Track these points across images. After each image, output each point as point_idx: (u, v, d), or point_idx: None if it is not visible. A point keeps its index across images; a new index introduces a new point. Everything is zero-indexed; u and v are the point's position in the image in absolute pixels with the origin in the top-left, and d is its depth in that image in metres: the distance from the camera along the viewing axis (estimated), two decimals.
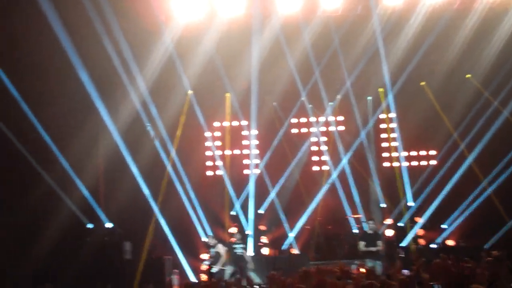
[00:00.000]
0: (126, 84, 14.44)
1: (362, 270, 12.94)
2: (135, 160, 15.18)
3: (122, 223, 14.89)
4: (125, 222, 14.87)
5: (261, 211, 16.74)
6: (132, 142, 15.13)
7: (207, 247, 14.26)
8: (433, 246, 15.81)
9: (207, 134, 17.26)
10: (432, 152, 17.38)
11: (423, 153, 17.48)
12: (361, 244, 14.05)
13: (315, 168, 17.40)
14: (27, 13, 11.95)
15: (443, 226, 16.34)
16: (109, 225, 14.99)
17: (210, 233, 15.96)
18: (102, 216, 14.97)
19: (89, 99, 13.82)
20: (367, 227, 14.38)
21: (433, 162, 17.29)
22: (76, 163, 14.11)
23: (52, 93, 13.37)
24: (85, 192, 14.41)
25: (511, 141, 15.80)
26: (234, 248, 13.33)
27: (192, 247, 15.94)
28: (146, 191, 15.32)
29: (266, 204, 16.76)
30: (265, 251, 15.86)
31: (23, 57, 12.66)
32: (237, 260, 13.17)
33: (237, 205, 16.68)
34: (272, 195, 16.65)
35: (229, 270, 12.94)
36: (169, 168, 16.11)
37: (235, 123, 17.44)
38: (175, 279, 14.12)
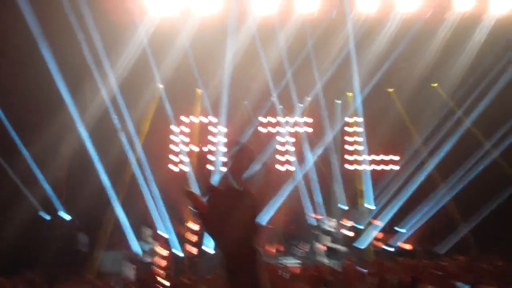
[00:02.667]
0: (96, 78, 14.52)
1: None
2: (99, 152, 15.32)
3: (80, 215, 15.01)
4: (83, 214, 14.98)
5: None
6: (99, 136, 15.25)
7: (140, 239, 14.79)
8: (390, 249, 16.64)
9: (175, 128, 17.40)
10: (395, 158, 18.23)
11: (386, 158, 18.32)
12: (327, 240, 14.79)
13: (281, 168, 17.84)
14: None
15: (401, 230, 17.21)
16: (66, 216, 15.09)
17: (170, 227, 16.35)
18: (60, 208, 15.05)
19: (57, 92, 13.86)
20: (329, 225, 15.17)
21: (395, 167, 18.15)
22: (41, 156, 14.14)
23: (20, 85, 13.31)
24: (46, 186, 14.47)
25: (472, 150, 16.75)
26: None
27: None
28: (107, 183, 15.50)
29: None
30: None
31: None
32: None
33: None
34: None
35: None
36: (133, 161, 16.30)
37: (204, 120, 17.66)
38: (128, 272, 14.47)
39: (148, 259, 14.56)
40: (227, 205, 1.27)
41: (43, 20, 12.36)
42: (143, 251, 14.69)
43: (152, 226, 16.06)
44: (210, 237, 1.32)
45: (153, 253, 14.76)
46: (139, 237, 15.13)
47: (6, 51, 12.67)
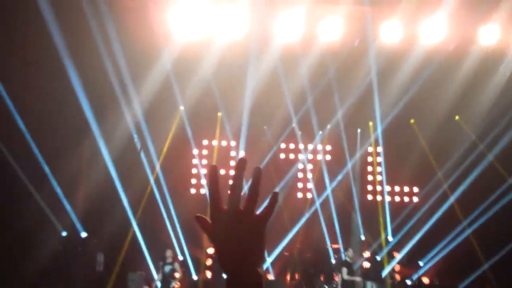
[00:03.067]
0: (121, 102, 14.90)
1: None
2: (119, 173, 15.58)
3: (97, 233, 15.19)
4: (101, 232, 15.15)
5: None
6: (122, 159, 15.55)
7: (163, 261, 14.82)
8: (408, 282, 16.44)
9: (195, 151, 17.59)
10: (415, 189, 18.12)
11: (406, 189, 18.22)
12: (344, 271, 14.73)
13: (299, 195, 17.86)
14: (27, 26, 12.26)
15: (420, 263, 17.01)
16: (83, 234, 15.27)
17: (185, 250, 16.43)
18: (78, 226, 15.25)
19: (83, 117, 14.25)
20: (346, 256, 15.10)
21: (415, 199, 18.03)
22: (66, 183, 14.47)
23: (49, 112, 13.71)
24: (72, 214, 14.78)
25: (493, 184, 16.54)
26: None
27: None
28: (126, 204, 15.71)
29: None
30: None
31: (22, 70, 12.96)
32: None
33: None
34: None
35: None
36: (152, 182, 16.50)
37: (223, 143, 17.81)
38: None
39: (170, 282, 14.58)
40: (230, 226, 1.27)
41: (70, 42, 12.70)
42: (164, 273, 14.74)
43: (170, 248, 16.18)
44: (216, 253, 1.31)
45: (172, 275, 14.82)
46: (161, 258, 15.21)
47: (38, 80, 13.02)
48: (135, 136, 16.37)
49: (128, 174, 15.86)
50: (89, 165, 15.58)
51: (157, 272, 15.28)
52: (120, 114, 15.43)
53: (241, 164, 1.31)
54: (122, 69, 14.26)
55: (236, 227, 1.25)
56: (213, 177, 1.32)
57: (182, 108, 16.87)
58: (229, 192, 1.30)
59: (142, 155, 16.45)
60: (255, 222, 1.26)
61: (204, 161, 17.76)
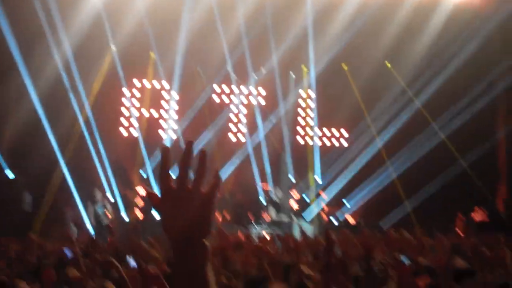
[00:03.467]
0: (49, 40, 14.41)
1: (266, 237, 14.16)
2: (49, 114, 15.23)
3: (25, 173, 14.93)
4: (28, 172, 14.90)
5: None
6: (50, 98, 15.17)
7: (93, 201, 14.86)
8: (335, 222, 17.11)
9: (126, 92, 17.26)
10: (345, 133, 18.64)
11: (336, 133, 18.70)
12: (272, 211, 15.19)
13: (232, 137, 17.98)
14: None
15: (346, 203, 17.71)
16: (10, 174, 14.99)
17: (115, 191, 16.40)
18: (4, 165, 14.94)
19: (9, 54, 13.71)
20: (275, 196, 15.55)
21: (344, 143, 18.56)
22: None
23: None
24: None
25: (419, 129, 17.24)
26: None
27: None
28: (54, 143, 15.44)
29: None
30: None
31: None
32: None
33: (149, 168, 17.01)
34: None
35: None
36: (81, 122, 16.20)
37: (156, 84, 17.56)
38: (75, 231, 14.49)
39: (102, 221, 14.61)
40: (178, 204, 1.31)
41: None
42: (96, 213, 14.75)
43: (100, 188, 16.12)
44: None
45: (105, 215, 14.87)
46: (91, 199, 15.15)
47: None
48: (64, 74, 15.92)
49: (56, 113, 15.48)
50: (16, 103, 15.11)
51: (87, 212, 15.24)
52: (48, 52, 14.93)
53: (189, 147, 1.36)
54: (50, 4, 13.72)
55: (184, 205, 1.30)
56: (166, 158, 1.35)
57: (113, 46, 16.46)
58: (178, 172, 1.34)
59: (71, 94, 16.06)
60: (202, 200, 1.32)
61: (136, 102, 17.48)
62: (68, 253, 6.83)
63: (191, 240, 1.31)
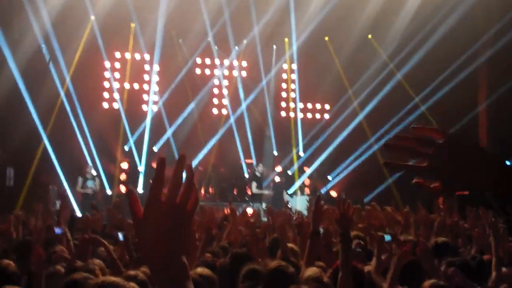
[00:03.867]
0: (28, 10, 14.16)
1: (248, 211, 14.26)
2: (28, 86, 15.04)
3: (6, 147, 14.80)
4: (10, 147, 14.77)
5: (155, 148, 17.16)
6: (30, 71, 14.96)
7: (84, 176, 14.85)
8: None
9: (107, 64, 17.08)
10: (327, 107, 18.72)
11: (318, 106, 18.76)
12: (253, 186, 15.31)
13: (215, 111, 17.95)
14: None
15: (329, 177, 17.89)
16: None
17: (98, 165, 16.36)
18: None
19: None
20: (257, 171, 15.64)
21: (326, 116, 18.66)
22: None
23: None
24: None
25: (401, 103, 17.35)
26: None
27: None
28: (36, 117, 15.30)
29: (161, 142, 17.14)
30: None
31: None
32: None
33: (131, 141, 16.98)
34: (169, 133, 17.04)
35: None
36: (62, 95, 16.05)
37: (137, 56, 17.39)
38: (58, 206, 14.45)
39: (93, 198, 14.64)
40: (162, 219, 1.26)
41: None
42: (86, 187, 14.77)
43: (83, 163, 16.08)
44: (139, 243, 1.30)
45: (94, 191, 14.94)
46: (80, 174, 15.11)
47: None
48: (43, 46, 15.69)
49: (36, 86, 15.29)
50: None
51: (73, 187, 15.22)
52: (26, 23, 14.69)
53: (181, 161, 1.28)
54: None
55: (168, 220, 1.27)
56: (160, 169, 1.28)
57: (93, 17, 16.22)
58: (169, 186, 1.29)
59: (51, 66, 15.85)
60: (185, 216, 1.29)
61: (117, 74, 17.31)
62: (58, 230, 6.80)
63: (170, 258, 1.28)
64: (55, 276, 4.13)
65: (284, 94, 18.74)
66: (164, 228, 1.26)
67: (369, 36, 17.75)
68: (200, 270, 3.91)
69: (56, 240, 5.87)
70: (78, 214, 13.83)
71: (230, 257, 4.98)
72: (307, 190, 17.36)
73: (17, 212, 9.36)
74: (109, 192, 16.48)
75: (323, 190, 17.46)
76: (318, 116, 18.76)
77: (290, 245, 5.37)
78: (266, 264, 4.06)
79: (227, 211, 14.89)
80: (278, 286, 3.63)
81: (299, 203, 15.45)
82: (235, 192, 16.44)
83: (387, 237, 5.09)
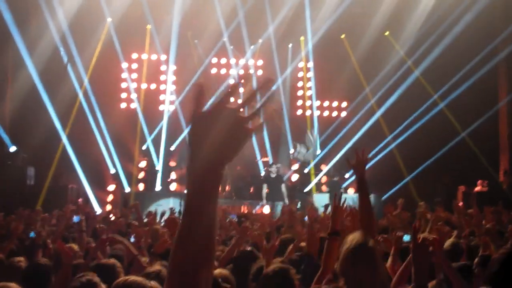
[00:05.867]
0: (44, 11, 14.60)
1: (266, 211, 14.50)
2: (47, 87, 15.54)
3: (27, 148, 15.29)
4: (31, 147, 15.25)
5: (172, 147, 17.56)
6: (46, 69, 15.42)
7: None
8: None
9: (124, 65, 17.52)
10: (344, 104, 18.81)
11: (335, 104, 18.85)
12: (264, 187, 15.50)
13: None
14: None
15: (346, 175, 17.96)
16: (13, 148, 15.33)
17: (117, 163, 16.81)
18: (6, 139, 15.27)
19: (4, 26, 13.93)
20: (270, 171, 15.79)
21: (343, 114, 18.76)
22: None
23: None
24: None
25: (419, 100, 17.28)
26: None
27: (99, 178, 16.74)
28: (55, 118, 15.81)
29: (178, 141, 17.49)
30: (173, 187, 16.98)
31: None
32: None
33: (149, 140, 17.40)
34: (185, 132, 17.33)
35: None
36: (81, 96, 16.55)
37: (153, 57, 17.78)
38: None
39: None
40: (222, 123, 1.31)
41: None
42: None
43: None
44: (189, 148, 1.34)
45: None
46: None
47: None
48: (61, 49, 16.18)
49: (54, 87, 15.79)
50: (14, 77, 15.41)
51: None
52: (43, 25, 15.16)
53: (267, 84, 1.35)
54: None
55: (226, 124, 1.32)
56: (201, 93, 1.35)
57: (109, 20, 16.66)
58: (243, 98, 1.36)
59: (69, 68, 16.35)
60: (246, 130, 1.35)
61: (134, 75, 17.76)
62: (76, 218, 7.12)
63: (214, 163, 1.32)
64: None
65: (300, 92, 18.88)
66: (219, 130, 1.30)
67: (386, 33, 17.79)
68: (218, 271, 3.93)
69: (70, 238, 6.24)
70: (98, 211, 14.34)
71: (236, 256, 5.01)
72: (323, 188, 17.48)
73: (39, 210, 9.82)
74: (127, 189, 16.92)
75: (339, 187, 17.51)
76: (335, 113, 18.84)
77: (302, 244, 5.30)
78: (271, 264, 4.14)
79: (244, 209, 15.25)
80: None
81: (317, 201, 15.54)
82: (251, 191, 16.69)
83: (406, 237, 5.01)
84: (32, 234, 5.99)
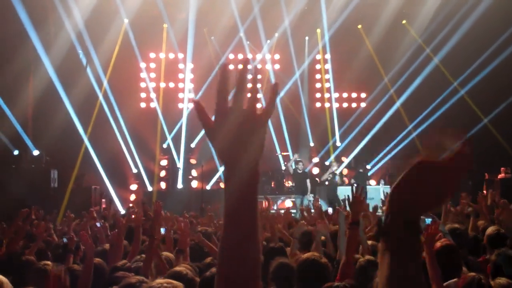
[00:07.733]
0: (60, 11, 14.80)
1: (288, 204, 14.61)
2: (66, 88, 15.78)
3: (50, 151, 15.57)
4: (53, 149, 15.52)
5: (192, 145, 17.75)
6: (65, 71, 15.64)
7: None
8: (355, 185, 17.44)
9: (142, 64, 17.73)
10: (363, 95, 18.76)
11: (354, 95, 18.81)
12: (295, 176, 15.55)
13: None
14: None
15: (367, 166, 17.99)
16: (36, 152, 15.60)
17: (139, 163, 17.04)
18: (29, 143, 15.54)
19: (21, 26, 14.15)
20: (289, 166, 15.87)
21: (363, 104, 18.73)
22: (7, 91, 14.54)
23: None
24: (13, 120, 14.92)
25: (439, 88, 17.23)
26: None
27: (121, 178, 17.00)
28: (76, 119, 16.07)
29: (198, 138, 17.68)
30: (194, 184, 17.17)
31: None
32: None
33: (169, 138, 17.61)
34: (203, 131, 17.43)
35: None
36: (100, 97, 16.80)
37: (171, 55, 17.96)
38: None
39: None
40: (233, 123, 1.29)
41: None
42: None
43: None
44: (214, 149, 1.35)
45: None
46: None
47: None
48: (80, 52, 16.43)
49: (74, 89, 16.00)
50: (34, 81, 15.65)
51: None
52: (60, 25, 15.37)
53: (245, 65, 1.33)
54: None
55: (239, 125, 1.29)
56: (224, 76, 1.33)
57: (126, 21, 16.87)
58: (234, 92, 1.31)
59: (89, 70, 16.60)
60: (256, 120, 1.31)
61: (152, 74, 17.97)
62: (98, 223, 7.25)
63: (244, 160, 1.29)
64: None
65: (318, 85, 18.89)
66: (235, 132, 1.29)
67: (404, 21, 17.76)
68: None
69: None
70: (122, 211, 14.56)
71: (264, 252, 5.09)
72: (345, 180, 17.52)
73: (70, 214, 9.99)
74: (149, 188, 17.17)
75: (361, 178, 17.54)
76: (354, 104, 18.78)
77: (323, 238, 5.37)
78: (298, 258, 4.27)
79: (265, 204, 15.38)
80: (312, 277, 3.77)
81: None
82: (272, 185, 16.81)
83: (427, 220, 4.97)
84: (65, 240, 6.11)
